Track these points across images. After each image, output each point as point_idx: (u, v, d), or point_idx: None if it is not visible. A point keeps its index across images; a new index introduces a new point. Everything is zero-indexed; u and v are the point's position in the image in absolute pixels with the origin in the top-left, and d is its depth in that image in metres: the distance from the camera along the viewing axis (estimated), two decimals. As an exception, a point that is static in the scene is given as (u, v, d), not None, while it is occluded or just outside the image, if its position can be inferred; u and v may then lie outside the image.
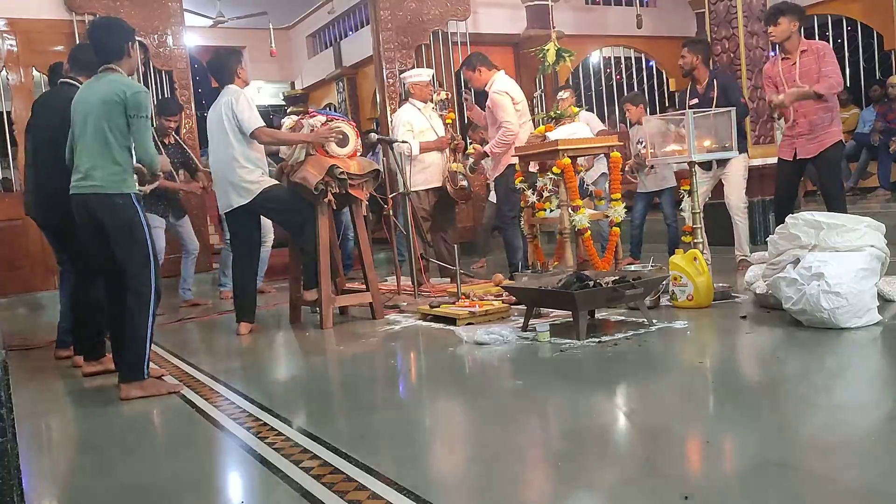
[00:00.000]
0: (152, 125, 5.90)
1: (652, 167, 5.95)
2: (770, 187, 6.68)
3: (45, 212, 3.94)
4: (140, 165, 3.41)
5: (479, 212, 8.41)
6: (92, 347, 3.81)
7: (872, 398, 2.56)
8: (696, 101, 5.46)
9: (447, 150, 5.91)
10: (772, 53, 7.23)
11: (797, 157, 4.94)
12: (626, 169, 5.87)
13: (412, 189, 5.81)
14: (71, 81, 3.91)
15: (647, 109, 6.21)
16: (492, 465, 2.16)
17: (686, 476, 2.00)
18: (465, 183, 5.82)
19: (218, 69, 4.59)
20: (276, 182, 4.64)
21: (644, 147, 5.87)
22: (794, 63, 4.84)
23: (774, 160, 6.63)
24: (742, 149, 5.14)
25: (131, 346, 3.25)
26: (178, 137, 6.23)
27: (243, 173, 4.46)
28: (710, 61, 5.78)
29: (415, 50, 8.62)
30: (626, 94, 10.51)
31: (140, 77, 7.39)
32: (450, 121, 5.97)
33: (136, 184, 3.41)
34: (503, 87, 5.60)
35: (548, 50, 5.82)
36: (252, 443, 2.50)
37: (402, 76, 6.35)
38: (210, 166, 4.80)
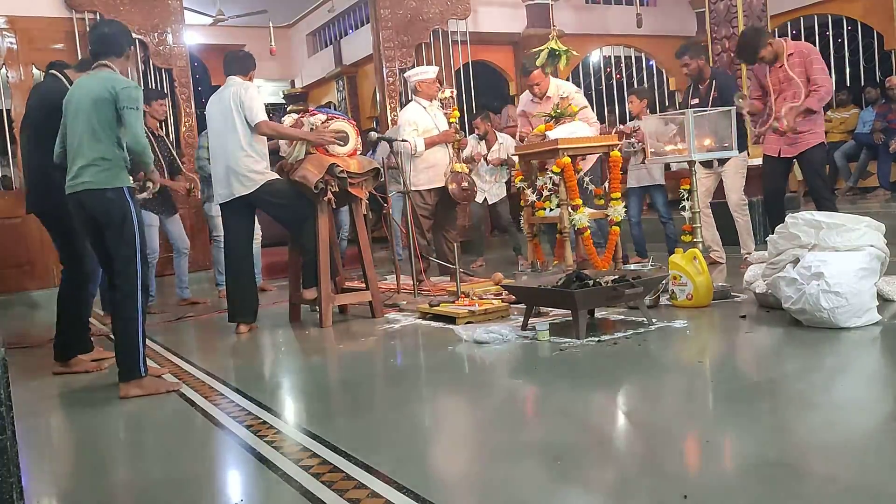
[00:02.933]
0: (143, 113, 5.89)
1: (642, 161, 5.93)
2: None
3: (34, 200, 3.93)
4: (141, 175, 3.48)
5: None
6: (63, 347, 3.83)
7: (872, 398, 2.56)
8: (696, 101, 5.49)
9: (451, 150, 5.89)
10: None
11: (781, 155, 4.96)
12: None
13: (415, 188, 5.80)
14: (56, 74, 3.93)
15: (648, 108, 6.17)
16: (491, 463, 2.16)
17: (685, 475, 2.00)
18: (465, 184, 5.81)
19: (233, 61, 4.66)
20: (279, 177, 4.63)
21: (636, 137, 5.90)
22: (782, 66, 4.87)
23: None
24: (741, 147, 5.15)
25: (124, 345, 3.26)
26: (163, 135, 6.17)
27: (249, 162, 4.46)
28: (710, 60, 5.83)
29: (415, 49, 8.62)
30: (626, 93, 10.55)
31: (140, 75, 7.38)
32: (454, 120, 5.96)
33: (137, 187, 3.46)
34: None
35: (542, 50, 5.82)
36: (251, 441, 2.50)
37: (406, 75, 6.34)
38: (211, 155, 4.80)
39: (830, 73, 5.42)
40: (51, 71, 4.04)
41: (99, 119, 3.25)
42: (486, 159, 6.96)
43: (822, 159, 5.04)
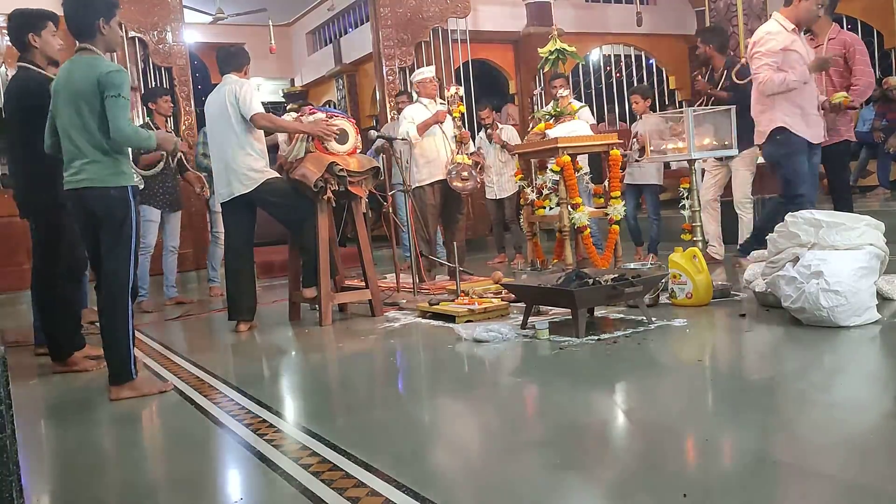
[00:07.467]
0: (150, 111, 5.87)
1: (636, 160, 5.91)
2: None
3: (25, 203, 3.92)
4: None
5: (480, 209, 8.40)
6: (56, 348, 3.82)
7: (871, 396, 2.56)
8: (709, 88, 5.46)
9: (451, 144, 5.88)
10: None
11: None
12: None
13: (418, 184, 5.80)
14: (27, 66, 3.82)
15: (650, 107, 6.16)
16: (490, 461, 2.16)
17: (685, 474, 2.00)
18: (465, 173, 5.80)
19: (227, 58, 4.65)
20: (279, 175, 4.63)
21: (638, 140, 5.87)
22: (820, 45, 4.77)
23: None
24: (752, 142, 4.90)
25: (113, 347, 3.16)
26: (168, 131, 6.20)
27: (248, 161, 4.46)
28: (726, 49, 5.74)
29: (414, 47, 8.61)
30: (626, 92, 10.54)
31: (139, 73, 7.38)
32: (458, 115, 5.97)
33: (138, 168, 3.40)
34: None
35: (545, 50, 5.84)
36: (251, 440, 2.50)
37: (410, 78, 6.42)
38: (210, 155, 4.80)
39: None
40: (20, 64, 3.85)
41: (90, 111, 3.10)
42: (488, 137, 6.99)
43: (847, 155, 5.00)
